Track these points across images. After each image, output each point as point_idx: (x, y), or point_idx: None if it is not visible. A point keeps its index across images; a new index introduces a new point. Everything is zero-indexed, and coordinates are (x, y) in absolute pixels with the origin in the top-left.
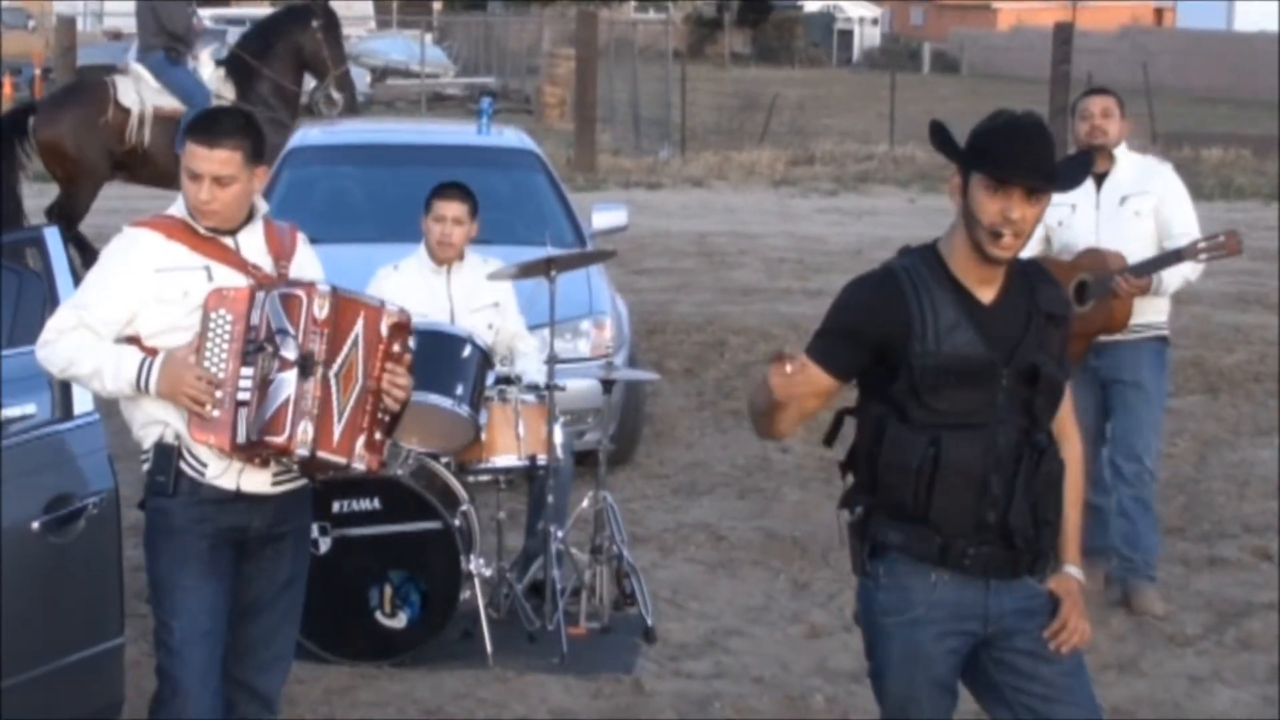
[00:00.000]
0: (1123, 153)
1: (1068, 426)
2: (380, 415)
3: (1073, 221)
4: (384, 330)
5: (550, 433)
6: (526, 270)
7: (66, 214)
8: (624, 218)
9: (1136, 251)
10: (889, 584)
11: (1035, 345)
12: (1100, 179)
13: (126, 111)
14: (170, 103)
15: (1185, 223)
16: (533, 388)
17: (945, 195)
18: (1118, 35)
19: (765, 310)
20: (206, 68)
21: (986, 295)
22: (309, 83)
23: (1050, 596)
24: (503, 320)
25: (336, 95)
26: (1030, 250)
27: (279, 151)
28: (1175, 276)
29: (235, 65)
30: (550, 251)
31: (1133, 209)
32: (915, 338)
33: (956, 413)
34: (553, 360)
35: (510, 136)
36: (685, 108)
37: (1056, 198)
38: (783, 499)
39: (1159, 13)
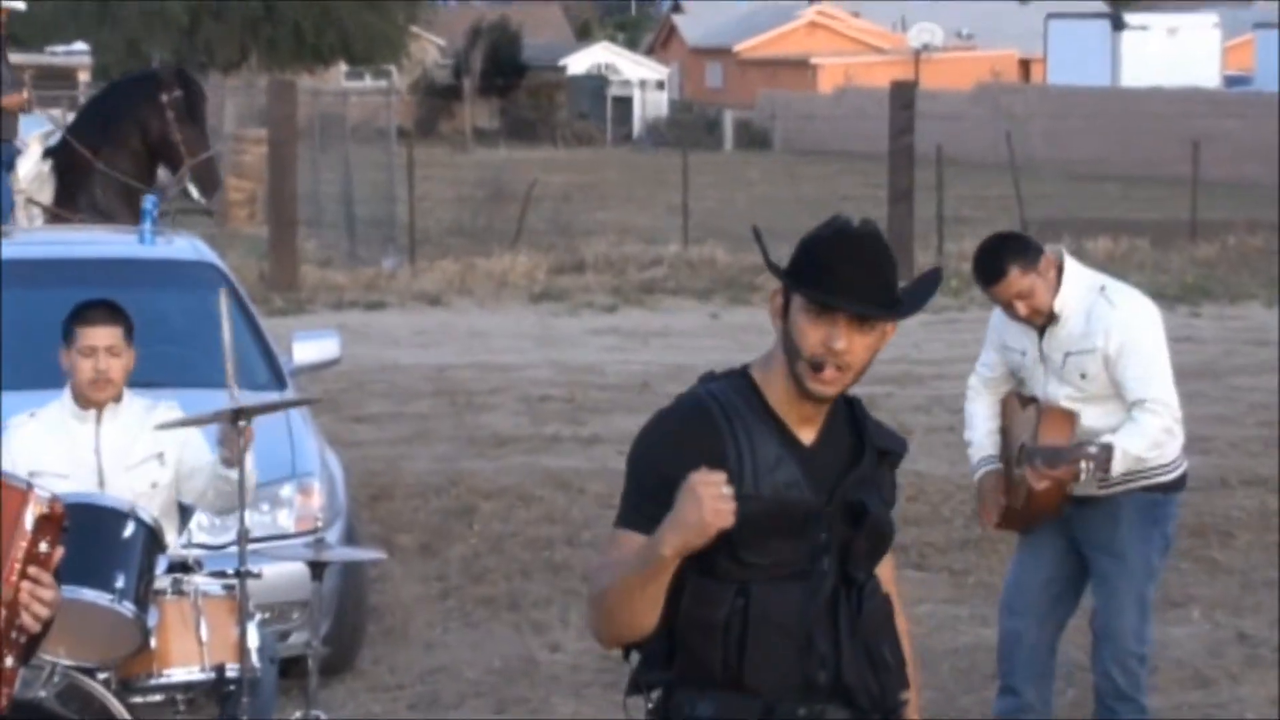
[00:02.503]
0: (1064, 299)
1: (892, 592)
2: (15, 635)
3: (1025, 373)
4: (28, 522)
5: (243, 634)
6: (206, 422)
7: None
8: (336, 349)
9: (1100, 414)
10: None
11: (861, 480)
12: (1042, 328)
13: None
14: None
15: (1138, 377)
16: (219, 574)
17: (757, 308)
18: (973, 95)
19: (526, 465)
20: (30, 159)
21: (806, 436)
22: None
23: None
24: (171, 476)
25: (195, 192)
26: (999, 395)
27: None
28: (1121, 459)
29: (64, 156)
30: (238, 397)
31: (1077, 369)
32: (730, 477)
33: (775, 565)
34: (244, 538)
35: (183, 246)
36: (414, 203)
37: (1012, 341)
38: (553, 711)
39: (1025, 65)
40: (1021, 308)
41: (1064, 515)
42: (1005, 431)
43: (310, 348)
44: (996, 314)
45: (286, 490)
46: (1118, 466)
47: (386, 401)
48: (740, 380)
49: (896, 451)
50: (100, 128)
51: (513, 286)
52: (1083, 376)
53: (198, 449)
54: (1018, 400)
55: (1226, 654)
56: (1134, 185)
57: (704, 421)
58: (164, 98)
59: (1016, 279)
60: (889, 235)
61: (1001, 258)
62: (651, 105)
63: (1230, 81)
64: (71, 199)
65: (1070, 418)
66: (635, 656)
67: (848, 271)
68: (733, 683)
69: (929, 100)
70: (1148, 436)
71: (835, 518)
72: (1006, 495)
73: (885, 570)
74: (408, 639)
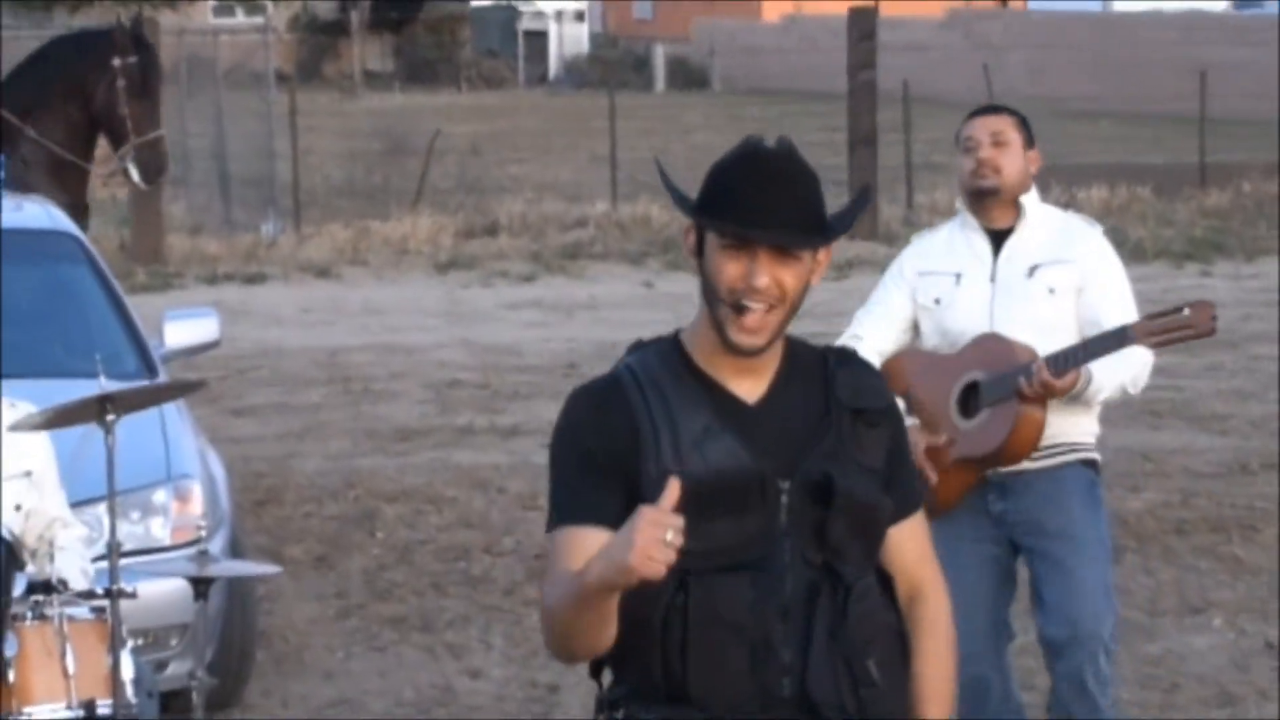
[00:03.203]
0: (1033, 202)
1: (924, 574)
2: None
3: (955, 299)
4: None
5: (116, 664)
6: (69, 415)
7: None
8: (214, 330)
9: (1049, 346)
10: None
11: (830, 450)
12: (999, 239)
13: None
14: None
15: (1121, 311)
16: (87, 595)
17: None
18: (944, 23)
19: (435, 462)
20: None
21: (749, 390)
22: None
23: None
24: (38, 498)
25: (135, 174)
26: (890, 340)
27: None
28: (1111, 379)
29: None
30: (105, 385)
31: (1045, 284)
32: (647, 457)
33: (718, 551)
34: (115, 550)
35: (35, 213)
36: (298, 158)
37: (936, 264)
38: None
39: None
40: (985, 150)
41: (994, 511)
42: (908, 394)
43: (185, 329)
44: (915, 241)
45: (160, 495)
46: (1108, 385)
47: (270, 390)
48: (667, 344)
49: (873, 408)
50: (35, 88)
51: (414, 254)
52: (1051, 292)
53: (52, 494)
54: (910, 359)
55: (1253, 666)
56: (1132, 124)
57: (615, 396)
58: (116, 63)
59: (1005, 124)
60: (850, 185)
61: (1002, 107)
62: (570, 40)
63: (1241, 2)
64: None
65: (1031, 351)
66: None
67: (761, 197)
68: (677, 695)
69: (892, 29)
70: (1134, 366)
71: (797, 495)
72: (939, 457)
73: (910, 549)
74: (303, 667)
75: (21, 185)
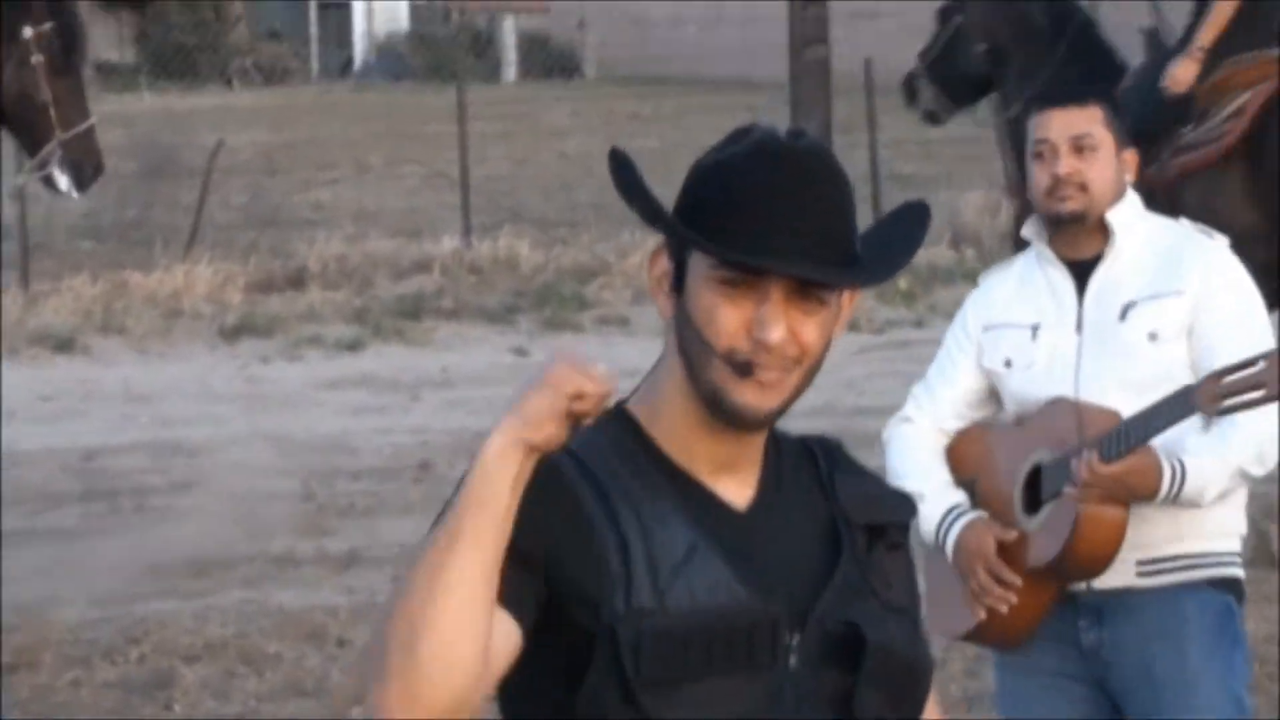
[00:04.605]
0: (1129, 216)
1: None
2: None
3: (1034, 356)
4: None
5: None
6: None
7: None
8: None
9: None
10: None
11: (849, 585)
12: (1083, 272)
13: None
14: None
15: (1249, 347)
16: None
17: (587, 335)
18: None
19: (247, 605)
20: None
21: (734, 492)
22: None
23: None
24: None
25: (64, 183)
26: (956, 420)
27: None
28: (1216, 466)
29: None
30: None
31: (1143, 327)
32: (612, 586)
33: None
34: None
35: None
36: (25, 190)
37: (1006, 315)
38: None
39: None
40: (1066, 160)
41: (1082, 649)
42: (973, 485)
43: None
44: (981, 283)
45: None
46: (1214, 477)
47: (8, 513)
48: (614, 423)
49: (895, 523)
50: None
51: (191, 316)
52: (1151, 338)
53: None
54: (978, 435)
55: None
56: None
57: (557, 495)
58: (27, 32)
59: (1091, 120)
60: None
61: (1089, 92)
62: (383, 15)
63: None
64: None
65: (1116, 416)
66: None
67: (778, 211)
68: None
69: None
70: (1252, 439)
71: (811, 652)
72: (1010, 557)
73: (931, 711)
74: None
75: None
